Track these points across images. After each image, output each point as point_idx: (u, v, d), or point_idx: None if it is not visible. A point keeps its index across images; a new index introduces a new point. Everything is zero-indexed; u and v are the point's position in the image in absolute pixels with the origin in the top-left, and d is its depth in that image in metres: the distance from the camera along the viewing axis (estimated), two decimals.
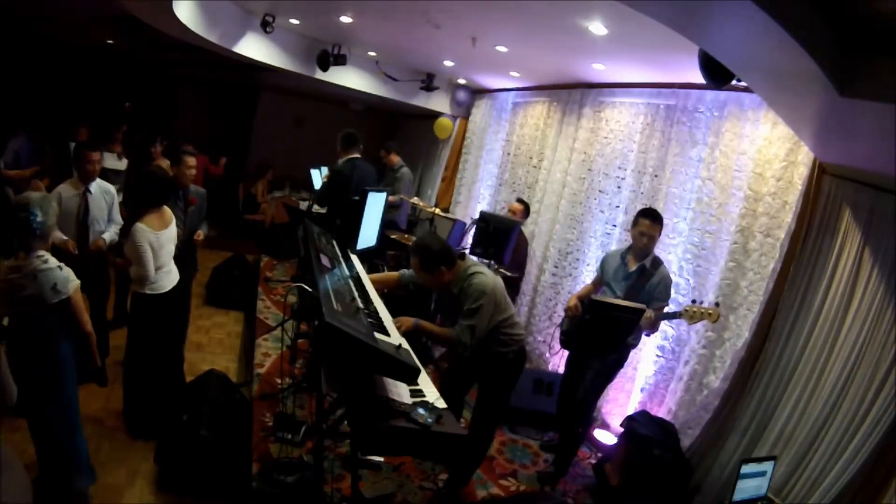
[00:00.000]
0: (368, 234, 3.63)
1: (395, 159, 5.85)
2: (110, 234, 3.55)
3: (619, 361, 3.23)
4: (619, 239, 4.21)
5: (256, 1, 4.73)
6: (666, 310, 3.06)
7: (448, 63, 5.59)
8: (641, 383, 3.85)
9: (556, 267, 4.80)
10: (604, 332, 2.89)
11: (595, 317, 2.88)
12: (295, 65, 5.73)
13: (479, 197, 6.41)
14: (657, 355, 3.77)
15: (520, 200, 4.83)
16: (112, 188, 3.64)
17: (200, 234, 3.75)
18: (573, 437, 3.32)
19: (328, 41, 5.58)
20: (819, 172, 2.94)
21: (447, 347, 3.00)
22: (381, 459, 3.05)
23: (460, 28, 3.99)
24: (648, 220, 3.10)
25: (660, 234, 3.18)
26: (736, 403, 3.11)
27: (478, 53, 4.54)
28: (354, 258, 3.14)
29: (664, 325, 3.60)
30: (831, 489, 2.51)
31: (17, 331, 2.31)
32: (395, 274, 3.10)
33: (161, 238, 3.06)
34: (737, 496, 2.59)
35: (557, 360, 4.33)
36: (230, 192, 8.51)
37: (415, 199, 5.53)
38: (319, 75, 5.83)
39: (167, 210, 3.19)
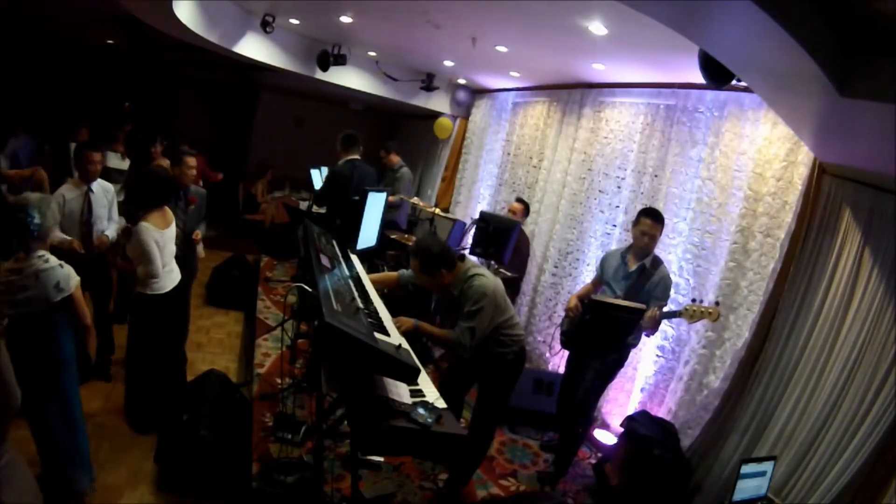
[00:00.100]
0: (368, 235, 3.63)
1: (395, 159, 5.85)
2: (112, 231, 3.58)
3: (619, 361, 3.23)
4: (619, 239, 4.21)
5: (256, 1, 4.72)
6: (666, 309, 3.06)
7: (448, 63, 5.58)
8: (641, 383, 3.85)
9: (556, 267, 4.80)
10: (604, 332, 2.89)
11: (595, 317, 2.88)
12: (295, 65, 5.73)
13: (479, 197, 6.41)
14: (657, 355, 3.77)
15: (519, 200, 4.83)
16: (111, 187, 3.67)
17: (198, 234, 3.75)
18: (573, 437, 3.32)
19: (328, 41, 5.58)
20: (819, 172, 2.94)
21: (446, 349, 3.00)
22: (381, 459, 3.05)
23: (460, 28, 3.98)
24: (650, 220, 3.10)
25: (661, 234, 3.19)
26: (736, 403, 3.11)
27: (478, 53, 4.54)
28: (354, 258, 3.14)
29: (664, 325, 3.60)
30: (831, 489, 2.51)
31: (17, 331, 2.32)
32: (393, 274, 3.10)
33: (164, 237, 3.09)
34: (737, 496, 2.59)
35: (557, 360, 4.33)
36: (230, 192, 8.51)
37: (415, 199, 5.53)
38: (319, 75, 5.83)
39: (168, 210, 3.22)
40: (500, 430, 3.69)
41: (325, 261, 2.37)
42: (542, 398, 3.89)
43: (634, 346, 3.24)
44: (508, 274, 4.19)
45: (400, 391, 1.89)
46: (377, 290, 2.84)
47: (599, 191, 4.49)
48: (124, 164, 5.42)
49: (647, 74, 4.02)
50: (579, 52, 3.81)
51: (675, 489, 3.05)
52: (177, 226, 3.30)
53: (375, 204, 3.66)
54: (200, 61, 6.96)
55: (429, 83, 6.34)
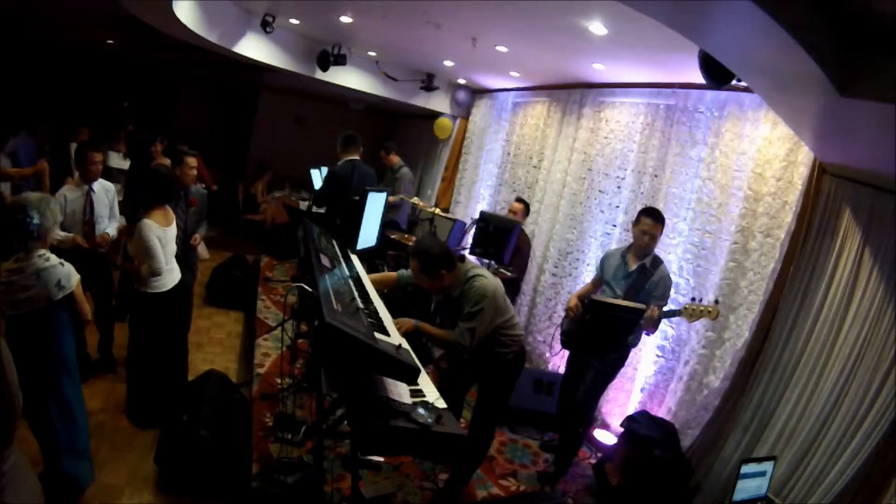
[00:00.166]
0: (368, 235, 3.63)
1: (395, 159, 5.85)
2: (113, 229, 3.60)
3: (619, 361, 3.24)
4: (619, 239, 4.21)
5: (256, 1, 4.72)
6: (666, 308, 3.06)
7: (448, 63, 5.58)
8: (641, 383, 3.85)
9: (556, 267, 4.80)
10: (604, 331, 2.89)
11: (595, 316, 2.88)
12: (295, 65, 5.73)
13: (479, 197, 6.41)
14: (657, 355, 3.77)
15: (520, 199, 4.83)
16: (112, 186, 3.70)
17: (197, 238, 3.76)
18: (573, 437, 3.32)
19: (328, 41, 5.58)
20: (819, 172, 2.94)
21: (446, 349, 3.00)
22: (381, 459, 3.05)
23: (460, 28, 3.98)
24: (651, 220, 3.10)
25: (661, 234, 3.19)
26: (736, 403, 3.11)
27: (478, 53, 4.54)
28: (354, 258, 3.14)
29: (664, 325, 3.60)
30: (831, 489, 2.51)
31: (18, 330, 2.32)
32: (392, 274, 3.09)
33: (166, 235, 3.11)
34: (737, 496, 2.59)
35: (557, 361, 4.33)
36: (230, 192, 8.51)
37: (415, 199, 5.53)
38: (319, 75, 5.84)
39: (169, 209, 3.24)
40: (500, 430, 3.69)
41: (325, 261, 2.37)
42: (542, 398, 3.89)
43: (634, 345, 3.24)
44: (508, 274, 4.19)
45: (400, 391, 1.89)
46: (377, 291, 2.84)
47: (599, 191, 4.49)
48: (126, 164, 5.44)
49: (647, 74, 4.02)
50: (579, 52, 3.81)
51: (675, 489, 3.05)
52: (177, 226, 3.30)
53: (375, 204, 3.66)
54: (200, 61, 6.97)
55: (429, 83, 6.34)
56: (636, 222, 3.16)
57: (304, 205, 6.51)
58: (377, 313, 2.32)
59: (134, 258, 3.12)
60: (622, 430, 3.31)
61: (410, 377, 1.84)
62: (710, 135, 3.65)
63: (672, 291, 3.23)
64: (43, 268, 2.29)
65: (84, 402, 2.60)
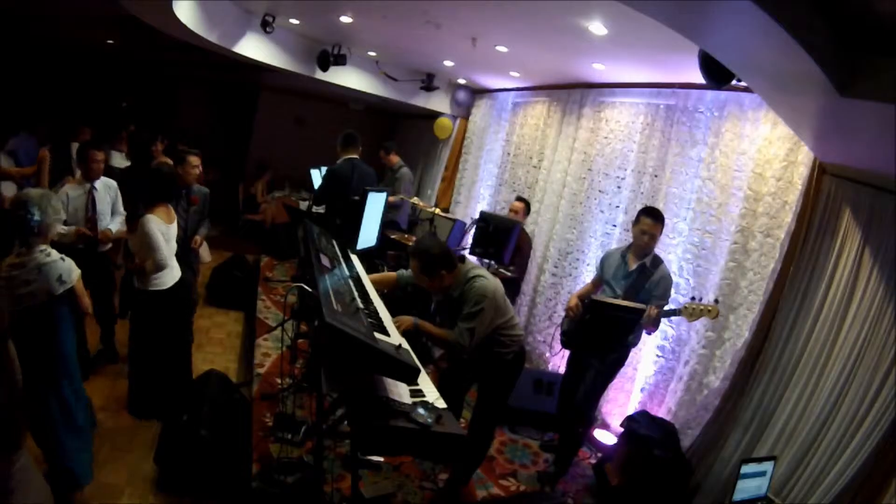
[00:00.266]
0: (368, 235, 3.63)
1: (395, 159, 5.85)
2: (116, 225, 3.63)
3: (619, 361, 3.24)
4: (619, 239, 4.20)
5: (256, 1, 4.72)
6: (666, 308, 3.06)
7: (448, 63, 5.58)
8: (641, 383, 3.85)
9: (556, 267, 4.80)
10: (604, 331, 2.89)
11: (595, 316, 2.88)
12: (295, 65, 5.73)
13: (479, 197, 6.41)
14: (657, 355, 3.76)
15: (520, 198, 4.83)
16: (114, 183, 3.74)
17: (199, 240, 3.76)
18: (573, 437, 3.32)
19: (328, 41, 5.58)
20: (819, 172, 2.94)
21: (446, 349, 3.00)
22: (381, 459, 3.05)
23: (460, 28, 3.98)
24: (650, 219, 3.10)
25: (661, 234, 3.19)
26: (736, 403, 3.11)
27: (478, 53, 4.54)
28: (354, 258, 3.14)
29: (664, 325, 3.60)
30: (831, 489, 2.51)
31: (19, 326, 2.32)
32: (392, 274, 3.09)
33: (169, 231, 3.13)
34: (737, 496, 2.59)
35: (557, 361, 4.33)
36: (230, 192, 8.51)
37: (415, 199, 5.53)
38: (319, 75, 5.83)
39: (171, 208, 3.26)
40: (500, 430, 3.69)
41: (325, 261, 2.37)
42: (542, 398, 3.89)
43: (634, 345, 3.24)
44: (508, 274, 4.19)
45: (400, 391, 1.89)
46: (377, 291, 2.84)
47: (599, 191, 4.49)
48: (127, 164, 5.44)
49: (647, 74, 4.02)
50: (579, 52, 3.81)
51: (675, 489, 3.05)
52: (178, 225, 3.31)
53: (375, 204, 3.66)
54: (200, 61, 6.97)
55: (429, 83, 6.34)
56: (636, 222, 3.16)
57: (304, 205, 6.51)
58: (377, 313, 2.32)
59: (136, 255, 3.13)
60: (622, 430, 3.31)
61: (410, 377, 1.84)
62: (710, 135, 3.65)
63: (672, 291, 3.23)
64: (44, 263, 2.31)
65: (85, 398, 2.61)
